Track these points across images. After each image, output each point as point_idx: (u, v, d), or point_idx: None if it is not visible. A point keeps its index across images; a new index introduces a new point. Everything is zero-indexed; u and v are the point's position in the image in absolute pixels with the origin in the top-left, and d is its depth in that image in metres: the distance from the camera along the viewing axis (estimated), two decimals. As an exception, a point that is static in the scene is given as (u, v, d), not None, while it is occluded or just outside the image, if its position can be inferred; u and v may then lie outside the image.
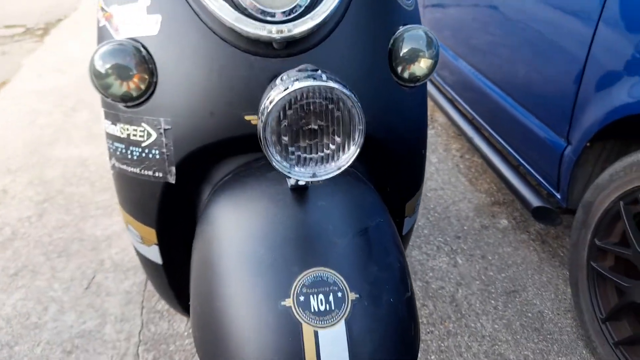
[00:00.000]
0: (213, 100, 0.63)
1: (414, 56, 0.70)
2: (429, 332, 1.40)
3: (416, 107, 0.76)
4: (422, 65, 0.70)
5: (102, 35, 0.67)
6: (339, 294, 0.51)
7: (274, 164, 0.51)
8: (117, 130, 0.69)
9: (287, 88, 0.48)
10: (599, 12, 1.24)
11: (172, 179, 0.67)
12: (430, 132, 2.60)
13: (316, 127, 0.52)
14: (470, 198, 2.01)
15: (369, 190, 0.66)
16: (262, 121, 0.49)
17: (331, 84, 0.48)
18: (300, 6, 0.59)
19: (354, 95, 0.50)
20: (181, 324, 1.46)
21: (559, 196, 1.49)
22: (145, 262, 0.85)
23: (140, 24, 0.64)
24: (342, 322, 0.49)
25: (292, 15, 0.59)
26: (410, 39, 0.70)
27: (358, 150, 0.52)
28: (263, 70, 0.63)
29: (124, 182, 0.74)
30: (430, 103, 2.82)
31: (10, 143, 2.60)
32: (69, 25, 4.98)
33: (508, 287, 1.56)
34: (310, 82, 0.48)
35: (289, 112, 0.50)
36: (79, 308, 1.54)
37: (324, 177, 0.52)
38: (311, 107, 0.51)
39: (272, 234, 0.55)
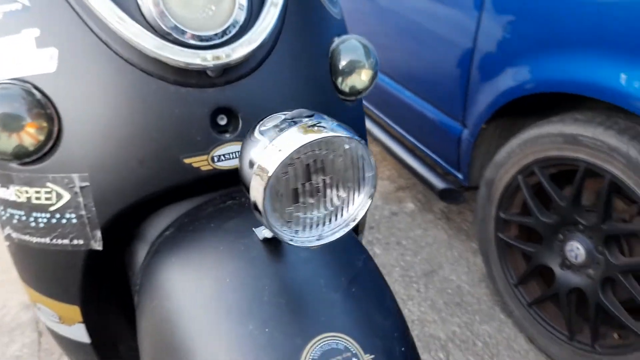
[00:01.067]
0: (141, 146, 0.52)
1: (352, 68, 0.65)
2: (363, 326, 1.42)
3: (357, 121, 0.72)
4: (362, 78, 0.66)
5: None
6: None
7: (278, 234, 0.42)
8: (11, 193, 0.54)
9: (282, 146, 0.39)
10: (481, 3, 1.33)
11: (98, 245, 0.55)
12: (324, 127, 2.63)
13: (319, 182, 0.43)
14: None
15: None
16: (256, 194, 0.40)
17: (338, 133, 0.40)
18: (234, 27, 0.52)
19: (360, 138, 0.42)
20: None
21: (460, 176, 1.59)
22: (66, 342, 0.70)
23: (29, 60, 0.50)
24: None
25: (224, 38, 0.52)
26: (347, 50, 0.65)
27: (370, 200, 0.44)
28: (199, 104, 0.54)
29: (28, 255, 0.59)
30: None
31: None
32: None
33: (426, 268, 1.64)
34: (313, 136, 0.39)
35: (284, 173, 0.41)
36: (-39, 380, 1.29)
37: (331, 239, 0.44)
38: (309, 161, 0.42)
39: (259, 303, 0.45)
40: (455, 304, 1.50)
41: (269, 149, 0.40)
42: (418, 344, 1.36)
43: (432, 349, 1.35)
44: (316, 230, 0.44)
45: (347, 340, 0.45)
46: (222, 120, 0.57)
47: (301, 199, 0.42)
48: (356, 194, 0.44)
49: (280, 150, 0.39)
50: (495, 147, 1.48)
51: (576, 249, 1.17)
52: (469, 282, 1.58)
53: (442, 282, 1.58)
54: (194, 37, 0.50)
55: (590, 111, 1.12)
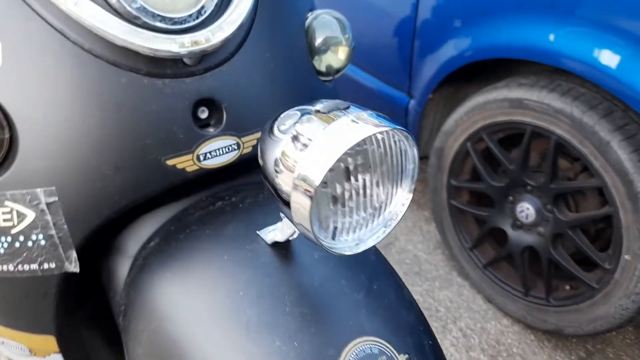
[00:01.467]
0: (115, 149, 0.45)
1: (329, 46, 0.61)
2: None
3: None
4: (339, 56, 0.62)
5: None
6: None
7: (322, 243, 0.36)
8: None
9: (334, 145, 0.33)
10: None
11: (73, 267, 0.48)
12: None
13: (360, 182, 0.38)
14: (324, 164, 2.06)
15: None
16: (300, 206, 0.34)
17: (390, 127, 0.35)
18: (209, 7, 0.46)
19: (408, 131, 0.37)
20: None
21: (409, 147, 1.61)
22: None
23: None
24: None
25: (199, 20, 0.46)
26: (321, 27, 0.61)
27: (411, 194, 0.40)
28: (179, 96, 0.47)
29: None
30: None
31: None
32: None
33: (382, 241, 1.65)
34: (366, 130, 0.33)
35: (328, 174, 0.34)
36: None
37: (371, 243, 0.40)
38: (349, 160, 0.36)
39: (280, 315, 0.41)
40: (415, 273, 1.53)
41: (311, 154, 0.34)
42: (383, 316, 1.38)
43: (396, 320, 1.37)
44: (355, 234, 0.39)
45: (381, 343, 0.42)
46: (204, 113, 0.50)
47: (343, 203, 0.37)
48: (396, 190, 0.40)
49: (326, 152, 0.33)
50: (443, 116, 1.50)
51: (526, 210, 1.22)
52: (425, 251, 1.61)
53: (399, 253, 1.60)
54: (165, 20, 0.44)
55: (534, 75, 1.15)
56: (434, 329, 1.32)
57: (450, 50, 1.31)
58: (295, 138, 0.36)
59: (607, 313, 1.09)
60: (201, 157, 0.50)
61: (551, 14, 1.05)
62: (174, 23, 0.45)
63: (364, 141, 0.35)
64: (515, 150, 1.22)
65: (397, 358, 0.41)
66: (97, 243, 0.52)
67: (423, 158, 1.63)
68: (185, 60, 0.47)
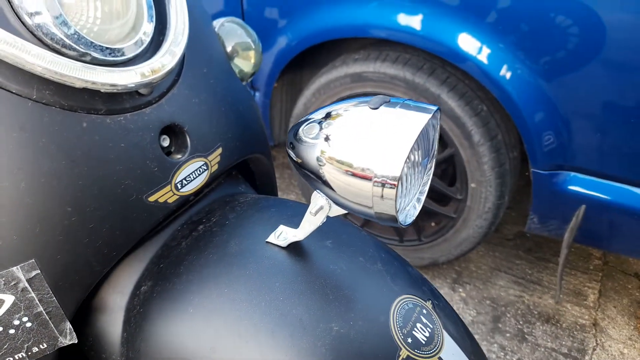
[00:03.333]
0: (95, 200, 0.41)
1: (239, 51, 0.62)
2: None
3: (251, 103, 0.69)
4: (251, 60, 0.64)
5: None
6: (424, 311, 0.46)
7: (400, 224, 0.39)
8: None
9: (401, 140, 0.35)
10: None
11: (69, 339, 0.42)
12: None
13: (415, 159, 0.40)
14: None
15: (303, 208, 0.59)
16: (387, 201, 0.36)
17: (432, 107, 0.38)
18: (148, 33, 0.44)
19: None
20: None
21: (264, 138, 1.65)
22: None
23: None
24: (444, 333, 0.46)
25: (143, 46, 0.44)
26: (228, 34, 0.62)
27: (433, 169, 0.44)
28: (143, 130, 0.44)
29: None
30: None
31: None
32: None
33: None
34: (424, 116, 0.36)
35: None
36: None
37: (415, 213, 0.42)
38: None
39: (326, 303, 0.43)
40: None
41: (381, 152, 0.36)
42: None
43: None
44: (407, 210, 0.42)
45: (410, 298, 0.46)
46: (165, 142, 0.48)
47: (405, 186, 0.39)
48: (431, 161, 0.43)
49: (397, 147, 0.35)
50: (291, 102, 1.57)
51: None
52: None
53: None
54: (114, 51, 0.40)
55: (364, 50, 1.28)
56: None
57: (280, 43, 1.37)
58: (327, 138, 0.38)
59: (468, 235, 1.30)
60: (179, 186, 0.49)
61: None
62: (122, 54, 0.41)
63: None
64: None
65: (425, 305, 0.47)
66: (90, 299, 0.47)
67: (277, 146, 1.69)
68: (141, 90, 0.44)
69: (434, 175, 1.30)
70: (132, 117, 0.44)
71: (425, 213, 1.38)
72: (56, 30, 0.37)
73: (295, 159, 0.41)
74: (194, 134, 0.50)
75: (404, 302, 0.46)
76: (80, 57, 0.39)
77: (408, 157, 0.36)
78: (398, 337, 0.43)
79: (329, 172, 0.38)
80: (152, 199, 0.46)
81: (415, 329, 0.44)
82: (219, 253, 0.47)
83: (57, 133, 0.39)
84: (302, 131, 0.41)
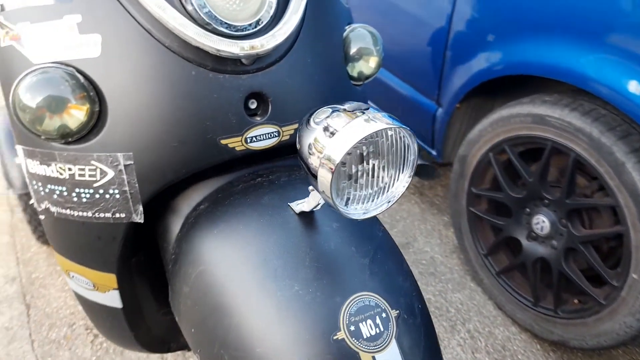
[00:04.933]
0: (181, 127, 0.56)
1: (361, 55, 0.70)
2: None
3: (364, 103, 0.77)
4: (370, 64, 0.71)
5: (9, 58, 0.54)
6: (384, 315, 0.50)
7: (338, 208, 0.47)
8: (53, 170, 0.57)
9: (351, 136, 0.44)
10: None
11: (139, 218, 0.59)
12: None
13: (373, 164, 0.48)
14: (351, 162, 2.12)
15: None
16: (324, 179, 0.44)
17: (396, 125, 0.45)
18: (266, 18, 0.56)
19: (410, 129, 0.47)
20: (85, 349, 1.32)
21: (434, 153, 1.65)
22: (97, 309, 0.74)
23: (72, 45, 0.53)
24: (394, 341, 0.50)
25: (258, 28, 0.55)
26: (356, 38, 0.70)
27: (410, 180, 0.51)
28: (235, 89, 0.57)
29: (67, 227, 0.63)
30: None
31: None
32: None
33: (401, 240, 1.71)
34: (378, 126, 0.44)
35: (347, 157, 0.46)
36: (-53, 360, 1.30)
37: (375, 212, 0.50)
38: (364, 148, 0.47)
39: (302, 268, 0.52)
40: (430, 273, 1.58)
41: (335, 140, 0.44)
42: (395, 313, 1.44)
43: (407, 317, 1.43)
44: (364, 205, 0.50)
45: (377, 297, 0.52)
46: (253, 105, 0.61)
47: (356, 180, 0.48)
48: (399, 175, 0.50)
49: (345, 140, 0.43)
50: (469, 126, 1.54)
51: (542, 222, 1.26)
52: (442, 253, 1.66)
53: (416, 254, 1.66)
54: (230, 27, 0.54)
55: (557, 93, 1.18)
56: (442, 328, 1.38)
57: (481, 62, 1.35)
58: (325, 129, 0.46)
59: (611, 329, 1.12)
60: (248, 140, 0.60)
61: (583, 38, 1.08)
62: (237, 30, 0.54)
63: (375, 134, 0.45)
64: (535, 164, 1.26)
65: (389, 312, 0.51)
66: (156, 204, 0.63)
67: (447, 165, 1.67)
68: (243, 60, 0.57)
69: (594, 249, 1.15)
70: (230, 77, 0.56)
71: (571, 286, 1.23)
72: (197, 7, 0.52)
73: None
74: (276, 105, 0.60)
75: (368, 298, 0.51)
76: (204, 25, 0.53)
77: (356, 154, 0.45)
78: (343, 320, 0.49)
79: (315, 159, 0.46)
80: (224, 142, 0.58)
81: (363, 322, 0.49)
82: (254, 201, 0.59)
83: (173, 73, 0.54)
84: (314, 114, 0.49)
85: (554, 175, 1.24)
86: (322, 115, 0.47)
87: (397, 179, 0.50)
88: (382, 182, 0.50)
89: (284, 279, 0.51)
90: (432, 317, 1.40)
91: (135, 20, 0.54)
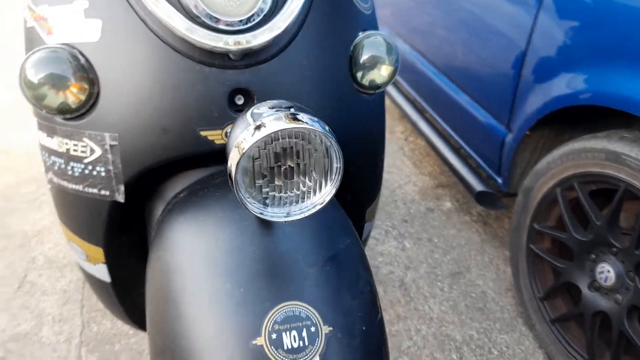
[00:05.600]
0: (165, 115, 0.58)
1: (374, 63, 0.68)
2: (379, 317, 1.44)
3: (375, 114, 0.74)
4: (382, 73, 0.69)
5: (31, 37, 0.60)
6: (312, 329, 0.49)
7: (246, 205, 0.47)
8: (54, 143, 0.62)
9: (260, 129, 0.44)
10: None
11: (121, 198, 0.62)
12: (374, 115, 2.62)
13: (291, 165, 0.48)
14: (415, 181, 2.05)
15: (334, 207, 0.64)
16: (232, 164, 0.45)
17: (310, 126, 0.45)
18: (258, 15, 0.56)
19: (332, 135, 0.46)
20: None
21: (500, 180, 1.55)
22: (92, 279, 0.79)
23: (77, 29, 0.57)
24: (317, 358, 0.48)
25: (249, 25, 0.55)
26: (370, 46, 0.67)
27: (335, 189, 0.49)
28: (219, 83, 0.58)
29: (65, 198, 0.67)
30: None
31: None
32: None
33: (453, 268, 1.62)
34: (287, 125, 0.44)
35: (262, 152, 0.47)
36: (11, 310, 1.43)
37: (298, 217, 0.49)
38: (286, 146, 0.47)
39: (240, 266, 0.51)
40: (477, 308, 1.48)
41: (250, 130, 0.45)
42: (432, 342, 1.36)
43: (445, 350, 1.35)
44: (285, 209, 0.50)
45: (310, 310, 0.50)
46: (240, 100, 0.61)
47: (276, 181, 0.48)
48: (324, 183, 0.50)
49: (259, 131, 0.44)
50: (538, 156, 1.43)
51: (607, 272, 1.12)
52: (495, 289, 1.55)
53: (467, 285, 1.56)
54: (220, 21, 0.55)
55: (639, 131, 1.05)
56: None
57: (562, 87, 1.24)
58: (256, 126, 0.46)
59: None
60: (228, 134, 0.60)
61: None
62: (227, 25, 0.55)
63: (294, 134, 0.45)
64: (607, 207, 1.13)
65: (320, 327, 0.49)
66: (144, 187, 0.66)
67: (513, 195, 1.56)
68: (231, 55, 0.57)
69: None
70: (216, 71, 0.57)
71: (632, 348, 1.08)
72: (190, 3, 0.54)
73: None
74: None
75: (298, 308, 0.48)
76: (194, 18, 0.54)
77: (270, 152, 0.46)
78: (266, 327, 0.47)
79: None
80: (203, 133, 0.59)
81: (287, 332, 0.47)
82: (223, 196, 0.60)
83: (163, 62, 0.56)
84: (257, 105, 0.48)
85: (626, 222, 1.10)
86: (263, 108, 0.48)
87: (323, 187, 0.50)
88: (303, 187, 0.49)
89: (220, 275, 0.51)
90: (472, 354, 1.31)
91: (133, 8, 0.56)
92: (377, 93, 0.72)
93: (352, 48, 0.67)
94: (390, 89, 2.33)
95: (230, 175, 0.45)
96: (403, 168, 2.14)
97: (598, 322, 1.16)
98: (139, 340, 1.36)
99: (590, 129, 1.23)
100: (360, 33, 0.68)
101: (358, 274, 0.56)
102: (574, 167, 1.16)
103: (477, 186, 1.59)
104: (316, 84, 0.64)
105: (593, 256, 1.17)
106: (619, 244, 1.08)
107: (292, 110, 0.47)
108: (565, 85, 1.23)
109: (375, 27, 0.72)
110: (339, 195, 0.77)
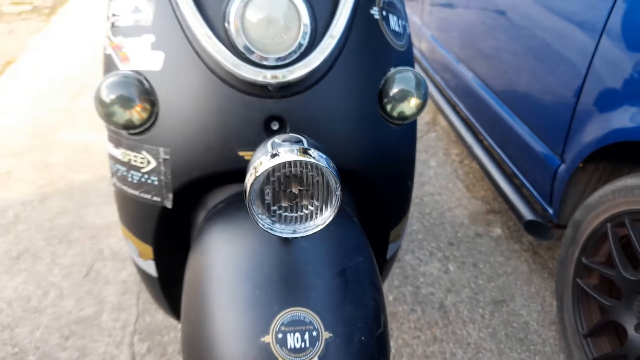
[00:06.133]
0: (210, 136, 0.66)
1: (403, 96, 0.72)
2: (415, 337, 1.45)
3: (404, 143, 0.79)
4: (411, 105, 0.73)
5: (108, 63, 0.71)
6: (314, 333, 0.55)
7: (257, 220, 0.54)
8: (119, 153, 0.73)
9: (274, 157, 0.51)
10: (604, 24, 1.22)
11: (169, 204, 0.72)
12: (431, 135, 2.62)
13: (297, 190, 0.56)
14: (466, 205, 2.04)
15: (352, 226, 0.70)
16: (247, 183, 0.52)
17: (312, 159, 0.52)
18: (295, 52, 0.63)
19: (332, 167, 0.53)
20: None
21: (551, 211, 1.52)
22: (142, 273, 0.90)
23: (144, 58, 0.67)
24: (316, 359, 0.54)
25: (287, 61, 0.62)
26: (400, 80, 0.72)
27: (334, 214, 0.56)
28: (257, 110, 0.66)
29: (124, 200, 0.78)
30: (431, 105, 2.84)
31: (15, 125, 2.63)
32: (76, 4, 4.97)
33: (496, 296, 1.60)
34: (297, 157, 0.51)
35: (273, 178, 0.54)
36: (77, 295, 1.58)
37: (303, 235, 0.56)
38: (294, 173, 0.55)
39: (257, 272, 0.59)
40: (518, 339, 1.45)
41: (267, 156, 0.52)
42: (468, 369, 1.35)
43: (480, 377, 1.34)
44: (292, 226, 0.57)
45: (313, 316, 0.56)
46: (275, 126, 0.69)
47: (283, 202, 0.56)
48: (324, 207, 0.57)
49: (272, 159, 0.52)
50: (591, 189, 1.39)
51: (655, 314, 1.08)
52: (539, 321, 1.51)
53: (509, 314, 1.54)
54: (261, 57, 0.63)
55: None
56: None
57: (624, 119, 1.18)
58: (272, 154, 0.53)
59: None
60: None
61: None
62: (267, 60, 0.63)
63: (301, 165, 0.54)
64: (659, 247, 1.09)
65: (321, 332, 0.55)
66: (189, 197, 0.75)
67: (564, 227, 1.52)
68: (269, 87, 0.65)
69: None
70: (255, 99, 0.65)
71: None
72: (236, 41, 0.62)
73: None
74: (294, 131, 0.68)
75: (303, 314, 0.55)
76: (239, 54, 0.62)
77: (272, 175, 0.54)
78: (274, 327, 0.54)
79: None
80: (241, 153, 0.67)
81: (291, 334, 0.53)
82: (247, 213, 0.64)
83: (211, 91, 0.64)
84: (279, 136, 0.56)
85: (678, 264, 1.06)
86: (281, 139, 0.55)
87: (324, 211, 0.56)
88: (306, 209, 0.57)
89: (241, 277, 0.59)
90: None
91: (190, 44, 0.65)
92: (406, 123, 0.77)
93: (383, 82, 0.72)
94: (449, 110, 2.33)
95: (245, 192, 0.52)
96: (455, 191, 2.13)
97: (643, 366, 1.12)
98: (186, 334, 1.45)
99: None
100: (392, 68, 0.74)
101: (364, 289, 0.62)
102: (626, 203, 1.13)
103: (527, 215, 1.57)
104: (345, 114, 0.70)
105: (642, 297, 1.13)
106: (669, 287, 1.04)
107: (302, 143, 0.54)
108: (627, 117, 1.19)
109: (410, 64, 0.77)
110: (363, 214, 0.81)
